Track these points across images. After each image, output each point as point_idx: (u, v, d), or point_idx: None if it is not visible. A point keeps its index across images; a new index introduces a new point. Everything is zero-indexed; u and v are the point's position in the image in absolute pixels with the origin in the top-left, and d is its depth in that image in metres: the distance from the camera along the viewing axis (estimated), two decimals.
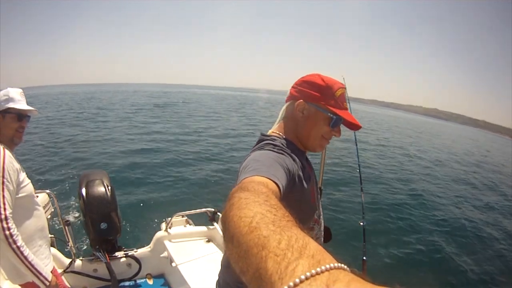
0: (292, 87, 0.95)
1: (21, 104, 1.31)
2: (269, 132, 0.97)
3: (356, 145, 1.86)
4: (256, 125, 16.49)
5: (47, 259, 1.36)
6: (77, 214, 4.39)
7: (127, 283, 2.26)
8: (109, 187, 2.18)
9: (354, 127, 0.94)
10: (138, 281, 2.30)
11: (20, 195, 1.25)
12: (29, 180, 1.33)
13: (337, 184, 7.56)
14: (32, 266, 1.19)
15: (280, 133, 0.94)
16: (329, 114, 0.89)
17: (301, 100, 0.90)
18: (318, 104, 0.89)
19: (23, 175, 1.28)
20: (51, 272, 1.37)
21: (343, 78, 2.70)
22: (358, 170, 2.04)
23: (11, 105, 1.28)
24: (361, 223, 1.92)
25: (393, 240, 5.06)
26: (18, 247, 1.15)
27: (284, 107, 0.97)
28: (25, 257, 1.17)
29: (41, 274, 1.22)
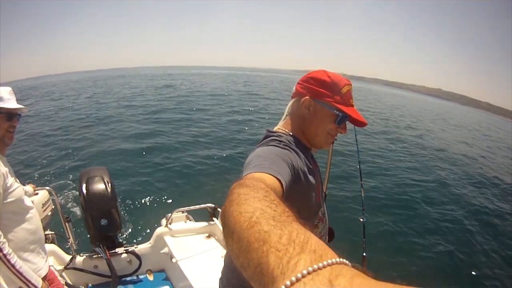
0: (298, 83, 0.95)
1: (10, 103, 1.28)
2: (275, 128, 0.97)
3: (356, 140, 1.85)
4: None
5: (40, 263, 1.35)
6: (77, 211, 4.41)
7: (127, 279, 2.28)
8: (109, 184, 2.18)
9: (360, 124, 0.94)
10: (138, 277, 2.31)
11: (8, 200, 1.22)
12: (19, 184, 1.30)
13: (337, 178, 7.57)
14: (21, 274, 1.17)
15: (286, 130, 0.94)
16: (335, 111, 0.89)
17: (307, 97, 0.90)
18: (324, 101, 0.89)
19: (11, 180, 1.25)
20: (47, 274, 1.37)
21: (343, 75, 2.68)
22: (358, 166, 2.04)
23: (0, 104, 1.25)
24: (361, 219, 1.92)
25: (394, 237, 5.08)
26: (5, 255, 1.13)
27: (290, 103, 0.96)
28: (13, 265, 1.15)
29: (30, 281, 1.20)
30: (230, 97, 20.89)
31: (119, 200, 2.27)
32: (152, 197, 5.19)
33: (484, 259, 4.79)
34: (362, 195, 1.96)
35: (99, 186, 2.15)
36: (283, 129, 0.95)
